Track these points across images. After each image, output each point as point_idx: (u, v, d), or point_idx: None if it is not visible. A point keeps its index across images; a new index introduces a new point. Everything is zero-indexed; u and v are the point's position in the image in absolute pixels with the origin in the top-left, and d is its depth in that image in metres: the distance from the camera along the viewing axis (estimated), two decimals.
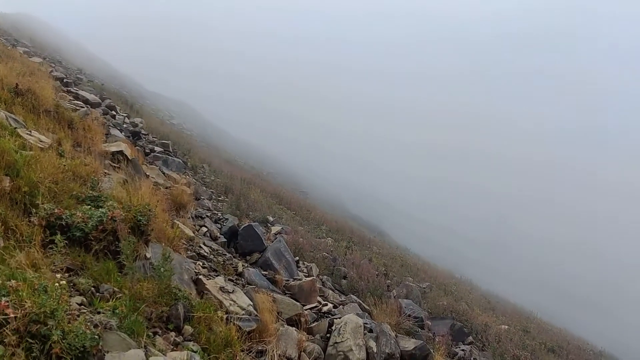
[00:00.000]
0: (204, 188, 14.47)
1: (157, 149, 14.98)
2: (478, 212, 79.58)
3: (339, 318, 6.97)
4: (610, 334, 35.60)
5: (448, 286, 20.43)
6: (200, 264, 6.79)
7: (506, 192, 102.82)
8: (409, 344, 7.73)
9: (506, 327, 15.85)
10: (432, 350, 8.22)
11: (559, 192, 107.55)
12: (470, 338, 12.67)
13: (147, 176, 9.46)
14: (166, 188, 9.83)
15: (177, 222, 7.56)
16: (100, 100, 16.91)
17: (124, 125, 15.85)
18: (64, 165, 6.27)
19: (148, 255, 5.53)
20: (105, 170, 7.52)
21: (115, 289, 4.55)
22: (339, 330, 6.49)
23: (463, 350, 11.32)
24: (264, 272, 8.53)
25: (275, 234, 12.35)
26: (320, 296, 9.02)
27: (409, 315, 10.27)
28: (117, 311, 4.05)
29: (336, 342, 6.32)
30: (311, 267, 10.85)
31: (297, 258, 11.07)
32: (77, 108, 11.74)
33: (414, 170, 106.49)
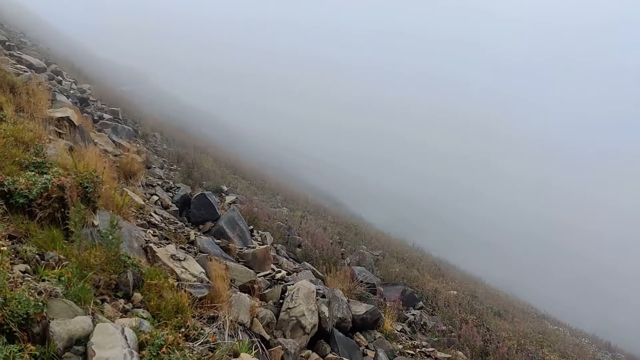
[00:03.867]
0: (156, 157, 14.20)
1: (107, 116, 14.56)
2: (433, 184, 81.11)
3: (292, 284, 7.03)
4: (554, 295, 37.34)
5: (400, 254, 20.84)
6: (151, 232, 6.69)
7: (459, 153, 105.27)
8: (361, 308, 7.90)
9: (455, 292, 16.34)
10: (382, 315, 8.42)
11: (500, 155, 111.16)
12: (421, 303, 13.02)
13: (95, 143, 9.20)
14: (115, 156, 9.60)
15: (127, 190, 7.41)
16: (45, 65, 16.23)
17: (71, 91, 15.30)
18: (5, 130, 6.02)
19: (96, 223, 5.42)
20: (50, 137, 7.26)
21: (62, 256, 4.44)
22: (292, 296, 6.56)
23: (413, 314, 11.64)
24: (217, 241, 8.49)
25: (230, 204, 12.28)
26: (274, 264, 9.06)
27: (361, 282, 10.47)
28: (63, 279, 3.96)
29: (289, 308, 6.39)
30: (265, 236, 10.87)
31: (252, 227, 11.06)
32: (20, 72, 11.23)
33: (358, 125, 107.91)
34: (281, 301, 6.67)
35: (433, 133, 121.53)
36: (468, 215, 67.44)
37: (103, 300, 4.38)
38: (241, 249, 8.63)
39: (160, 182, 10.56)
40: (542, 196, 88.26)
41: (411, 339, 8.92)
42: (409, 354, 7.79)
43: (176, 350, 3.69)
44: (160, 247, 6.07)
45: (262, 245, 9.34)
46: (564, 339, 16.25)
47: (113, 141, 11.46)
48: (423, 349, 8.36)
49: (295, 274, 9.21)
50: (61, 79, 16.44)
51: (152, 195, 9.08)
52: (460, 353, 9.52)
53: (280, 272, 8.13)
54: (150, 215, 7.47)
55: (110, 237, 4.82)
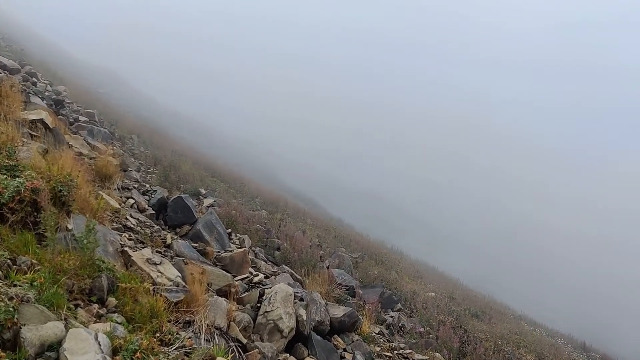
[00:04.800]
0: (132, 159, 14.06)
1: (82, 118, 14.37)
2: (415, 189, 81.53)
3: (270, 288, 7.02)
4: (534, 296, 37.82)
5: (379, 256, 20.94)
6: (127, 235, 6.61)
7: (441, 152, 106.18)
8: (339, 311, 7.91)
9: (433, 294, 16.49)
10: (360, 317, 8.45)
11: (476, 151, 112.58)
12: (399, 305, 13.10)
13: (70, 146, 9.08)
14: (91, 159, 9.47)
15: (102, 194, 7.32)
16: (19, 67, 15.97)
17: (46, 93, 15.07)
18: None
19: (70, 227, 5.34)
20: (24, 139, 7.14)
21: (34, 261, 4.37)
22: (269, 299, 6.54)
23: (392, 316, 11.71)
24: (195, 244, 8.43)
25: (208, 207, 12.21)
26: (252, 267, 9.03)
27: (340, 284, 10.48)
28: (35, 284, 3.90)
29: (266, 311, 6.37)
30: (244, 239, 10.82)
31: (230, 230, 11.00)
32: None
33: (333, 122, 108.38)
34: (259, 305, 6.65)
35: (413, 131, 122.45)
36: (446, 215, 68.03)
37: (77, 306, 4.32)
38: (219, 252, 8.59)
39: (136, 185, 10.45)
40: (524, 194, 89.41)
41: (389, 341, 8.96)
42: (386, 356, 7.82)
43: (151, 355, 3.66)
44: (136, 251, 6.01)
45: (240, 248, 9.30)
46: (540, 340, 16.46)
47: (89, 144, 11.31)
48: (401, 351, 8.40)
49: (273, 277, 9.19)
50: (36, 80, 16.18)
51: (128, 198, 8.98)
52: (437, 355, 9.60)
53: (258, 275, 8.11)
54: (126, 218, 7.39)
55: (85, 241, 4.76)
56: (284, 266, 11.02)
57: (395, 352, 8.26)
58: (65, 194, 5.37)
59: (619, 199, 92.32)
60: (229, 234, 10.60)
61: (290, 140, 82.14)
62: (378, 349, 8.08)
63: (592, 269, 56.23)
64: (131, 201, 8.89)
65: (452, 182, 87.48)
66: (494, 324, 15.78)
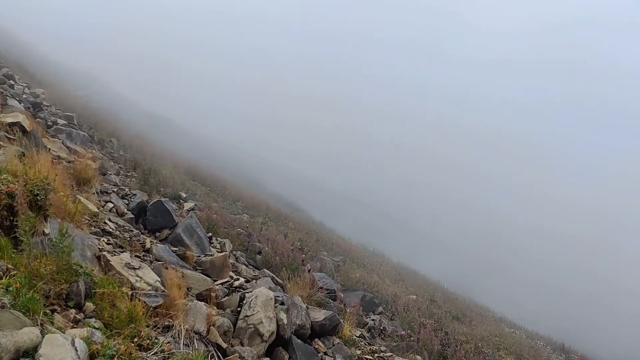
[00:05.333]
0: (112, 163, 13.92)
1: (61, 121, 14.19)
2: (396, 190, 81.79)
3: (251, 292, 6.99)
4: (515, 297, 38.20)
5: (361, 259, 21.02)
6: (105, 240, 6.55)
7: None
8: (320, 314, 7.91)
9: (414, 297, 16.57)
10: (342, 321, 8.46)
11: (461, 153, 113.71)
12: (381, 308, 13.14)
13: (48, 149, 8.97)
14: (69, 162, 9.38)
15: (80, 197, 7.24)
16: None
17: (24, 96, 14.89)
18: None
19: (47, 231, 5.28)
20: (0, 143, 7.05)
21: (10, 266, 4.32)
22: (250, 303, 6.52)
23: (373, 320, 11.73)
24: (174, 249, 8.38)
25: (188, 210, 12.13)
26: (233, 271, 9.00)
27: (321, 288, 10.49)
28: (10, 289, 3.85)
29: (247, 316, 6.35)
30: (224, 243, 10.78)
31: (210, 234, 10.95)
32: None
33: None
34: (239, 309, 6.62)
35: (395, 132, 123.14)
36: (427, 216, 68.42)
37: (53, 311, 4.28)
38: (199, 256, 8.54)
39: (115, 189, 10.35)
40: (506, 194, 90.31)
41: (370, 344, 8.99)
42: (367, 359, 7.84)
43: None
44: (115, 255, 5.96)
45: (221, 252, 9.26)
46: (520, 342, 16.63)
47: (67, 147, 11.20)
48: (381, 354, 8.42)
49: (254, 281, 9.16)
50: (13, 83, 15.97)
51: (107, 202, 8.89)
52: (418, 357, 9.64)
53: (238, 279, 8.08)
54: (105, 222, 7.32)
55: (61, 245, 4.70)
56: (265, 270, 10.99)
57: (376, 355, 8.29)
58: (42, 197, 5.31)
59: (600, 199, 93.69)
60: (210, 238, 10.55)
61: (274, 142, 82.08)
62: (359, 352, 8.09)
63: (573, 270, 56.93)
64: (110, 205, 8.81)
65: (433, 182, 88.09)
66: (475, 326, 15.91)
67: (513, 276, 51.02)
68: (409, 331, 11.47)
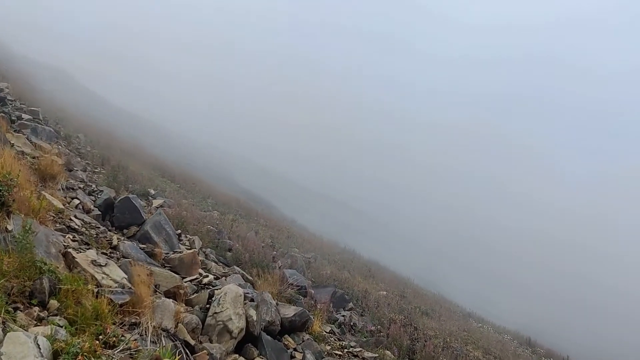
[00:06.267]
0: (78, 159, 13.66)
1: (26, 116, 13.85)
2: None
3: (220, 289, 6.96)
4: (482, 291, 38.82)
5: (332, 256, 21.10)
6: (71, 237, 6.42)
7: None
8: (289, 311, 7.91)
9: (385, 293, 16.71)
10: (311, 317, 8.48)
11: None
12: (351, 304, 13.20)
13: (12, 145, 8.76)
14: (34, 158, 9.17)
15: (45, 194, 7.09)
16: None
17: None
18: None
19: (10, 228, 5.16)
20: None
21: None
22: (219, 300, 6.49)
23: (343, 316, 11.78)
24: (142, 246, 8.27)
25: (157, 207, 11.99)
26: (202, 268, 8.93)
27: (292, 284, 10.49)
28: None
29: (215, 312, 6.31)
30: (194, 240, 10.69)
31: (180, 231, 10.84)
32: None
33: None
34: (208, 306, 6.58)
35: (359, 126, 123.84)
36: (396, 213, 69.03)
37: (16, 309, 4.19)
38: (167, 253, 8.45)
39: (82, 186, 10.15)
40: (473, 190, 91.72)
41: (340, 340, 9.03)
42: (336, 354, 7.88)
43: (93, 358, 3.58)
44: (80, 252, 5.85)
45: (190, 249, 9.17)
46: (487, 336, 16.93)
47: (32, 142, 10.95)
48: (351, 349, 8.47)
49: (224, 278, 9.11)
50: None
51: (73, 199, 8.72)
52: (388, 352, 9.72)
53: (207, 276, 8.02)
54: (70, 219, 7.18)
55: (24, 242, 4.61)
56: (235, 267, 10.95)
57: (346, 350, 8.33)
58: (4, 193, 5.18)
59: (567, 197, 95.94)
60: (179, 235, 10.45)
61: (246, 139, 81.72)
62: (328, 347, 8.12)
63: (539, 265, 58.14)
64: (76, 202, 8.65)
65: (403, 180, 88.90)
66: (444, 321, 16.13)
67: (482, 273, 51.87)
68: (379, 327, 11.56)
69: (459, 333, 14.67)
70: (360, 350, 8.62)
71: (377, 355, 8.85)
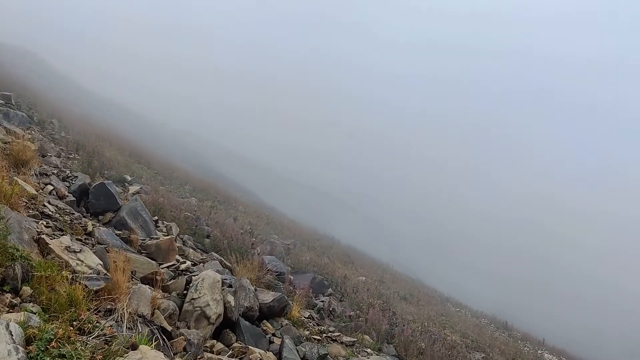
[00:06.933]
0: (52, 145, 13.39)
1: None
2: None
3: (197, 275, 6.91)
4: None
5: (311, 242, 21.12)
6: (44, 223, 6.30)
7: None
8: (268, 296, 7.90)
9: (364, 278, 16.80)
10: (290, 302, 8.48)
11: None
12: (330, 290, 13.25)
13: None
14: (5, 143, 8.96)
15: (17, 179, 6.94)
16: None
17: None
18: None
19: None
20: None
21: None
22: (196, 286, 6.44)
23: (322, 301, 11.83)
24: (118, 232, 8.16)
25: (133, 194, 11.84)
26: (180, 255, 8.86)
27: (270, 270, 10.48)
28: None
29: (193, 298, 6.27)
30: (171, 227, 10.59)
31: (157, 218, 10.73)
32: None
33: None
34: (185, 292, 6.53)
35: (335, 116, 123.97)
36: (375, 200, 69.39)
37: None
38: (144, 240, 8.36)
39: (56, 171, 9.96)
40: (439, 174, 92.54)
41: (319, 325, 9.06)
42: (315, 339, 7.90)
43: (67, 344, 3.52)
44: (54, 238, 5.75)
45: (167, 236, 9.09)
46: (465, 320, 17.16)
47: (4, 128, 10.71)
48: (330, 334, 8.51)
49: (202, 264, 9.06)
50: None
51: (46, 184, 8.55)
52: (366, 337, 9.79)
53: (185, 262, 7.96)
54: (44, 205, 7.04)
55: None
56: (213, 253, 10.89)
57: (324, 335, 8.36)
58: None
59: (529, 181, 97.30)
60: (156, 221, 10.34)
61: (225, 128, 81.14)
62: (307, 332, 8.14)
63: (522, 254, 59.04)
64: (50, 188, 8.48)
65: (383, 168, 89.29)
66: (422, 306, 16.30)
67: (460, 259, 52.51)
68: (357, 312, 11.63)
69: (437, 317, 14.84)
70: (339, 335, 8.66)
71: (355, 339, 8.91)
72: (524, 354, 14.84)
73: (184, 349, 5.26)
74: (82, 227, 7.12)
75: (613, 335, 36.17)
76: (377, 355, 8.47)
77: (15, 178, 7.03)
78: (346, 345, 8.28)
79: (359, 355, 7.97)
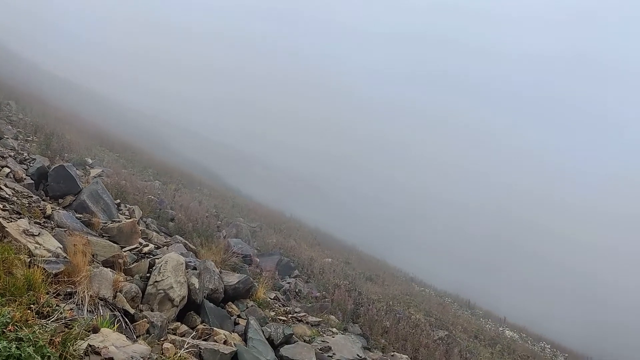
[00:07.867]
0: (9, 127, 13.00)
1: None
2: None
3: (160, 258, 6.85)
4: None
5: (278, 225, 21.11)
6: (0, 206, 6.13)
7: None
8: (233, 278, 7.90)
9: (330, 260, 16.93)
10: (256, 284, 8.50)
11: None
12: (296, 271, 13.33)
13: None
14: None
15: None
16: None
17: None
18: None
19: None
20: None
21: None
22: (160, 269, 6.39)
23: (289, 283, 11.90)
24: (79, 215, 8.01)
25: (95, 177, 11.60)
26: (143, 238, 8.75)
27: (236, 253, 10.47)
28: None
29: (156, 281, 6.22)
30: (134, 210, 10.44)
31: (119, 201, 10.55)
32: None
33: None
34: (149, 275, 6.47)
35: (307, 105, 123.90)
36: (339, 183, 69.84)
37: None
38: (105, 223, 8.22)
39: (13, 154, 9.67)
40: (405, 161, 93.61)
41: (284, 306, 9.10)
42: (281, 320, 7.94)
43: (25, 327, 3.45)
44: (11, 222, 5.61)
45: (130, 219, 8.96)
46: (429, 299, 17.49)
47: None
48: (295, 315, 8.56)
49: (165, 247, 8.97)
50: None
51: (2, 167, 8.30)
52: (332, 317, 9.90)
53: (148, 245, 7.87)
54: (0, 188, 6.84)
55: None
56: (178, 236, 10.80)
57: (290, 315, 8.41)
58: None
59: (504, 171, 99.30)
60: (118, 204, 10.18)
61: (196, 115, 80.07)
62: (273, 313, 8.18)
63: (485, 238, 60.26)
64: (6, 170, 8.24)
65: (349, 152, 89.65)
66: (387, 286, 16.53)
67: (426, 241, 53.39)
68: (323, 292, 11.73)
69: (401, 297, 15.08)
70: (305, 315, 8.73)
71: (321, 319, 9.00)
72: (485, 330, 15.25)
73: (147, 331, 5.22)
74: (41, 210, 6.96)
75: (578, 319, 37.56)
76: (342, 334, 8.58)
77: None
78: (312, 325, 8.35)
79: (324, 335, 8.05)
